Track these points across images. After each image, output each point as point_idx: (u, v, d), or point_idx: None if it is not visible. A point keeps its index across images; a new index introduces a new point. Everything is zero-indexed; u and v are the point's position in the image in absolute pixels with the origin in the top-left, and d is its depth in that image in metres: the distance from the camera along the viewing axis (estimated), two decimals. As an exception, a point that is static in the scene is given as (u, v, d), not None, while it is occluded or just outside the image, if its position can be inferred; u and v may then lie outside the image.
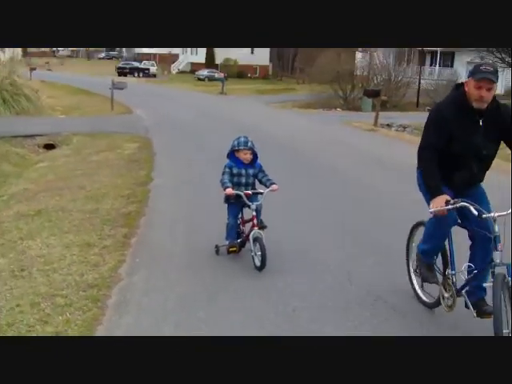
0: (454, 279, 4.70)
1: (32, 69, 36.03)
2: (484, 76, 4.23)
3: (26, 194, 10.07)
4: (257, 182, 6.33)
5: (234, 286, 5.54)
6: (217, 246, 6.38)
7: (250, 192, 6.09)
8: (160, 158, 13.07)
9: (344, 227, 7.59)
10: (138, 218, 7.83)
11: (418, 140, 15.58)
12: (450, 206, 4.31)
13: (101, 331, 4.60)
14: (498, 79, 4.33)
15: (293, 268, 6.00)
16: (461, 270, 4.64)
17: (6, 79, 22.32)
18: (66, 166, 12.75)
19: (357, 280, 5.72)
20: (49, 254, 6.37)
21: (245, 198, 6.03)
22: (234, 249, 6.21)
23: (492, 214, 4.23)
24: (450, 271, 4.75)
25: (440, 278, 4.88)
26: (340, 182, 10.91)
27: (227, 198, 6.17)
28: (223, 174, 6.19)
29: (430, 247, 4.86)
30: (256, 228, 5.97)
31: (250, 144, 6.15)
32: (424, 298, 5.15)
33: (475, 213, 4.21)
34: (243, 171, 6.20)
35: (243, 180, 6.21)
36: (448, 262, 4.80)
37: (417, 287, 5.26)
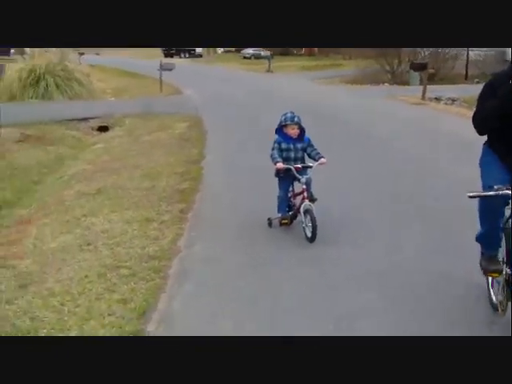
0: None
1: (81, 54, 36.65)
2: None
3: (84, 174, 10.52)
4: (306, 156, 6.52)
5: (287, 257, 5.81)
6: (269, 219, 6.62)
7: (299, 166, 6.27)
8: (211, 135, 13.39)
9: (390, 196, 7.77)
10: (193, 194, 8.18)
11: (467, 113, 15.56)
12: (485, 193, 4.02)
13: (164, 298, 4.95)
14: None
15: (341, 237, 6.24)
16: None
17: (58, 65, 22.89)
18: (120, 146, 13.18)
19: (404, 247, 5.92)
20: (111, 229, 6.76)
21: (295, 172, 6.21)
22: (286, 221, 6.45)
23: None
24: (506, 269, 4.15)
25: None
26: (386, 153, 11.02)
27: (278, 172, 6.37)
28: (273, 149, 6.39)
29: (483, 232, 4.44)
30: (306, 200, 6.16)
31: (296, 119, 6.32)
32: (494, 299, 4.48)
33: None
34: (292, 146, 6.37)
35: (292, 154, 6.39)
36: (507, 257, 4.17)
37: (489, 286, 4.62)
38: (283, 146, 6.39)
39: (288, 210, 6.56)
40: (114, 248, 6.13)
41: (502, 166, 4.27)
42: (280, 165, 6.21)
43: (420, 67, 23.85)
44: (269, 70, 42.71)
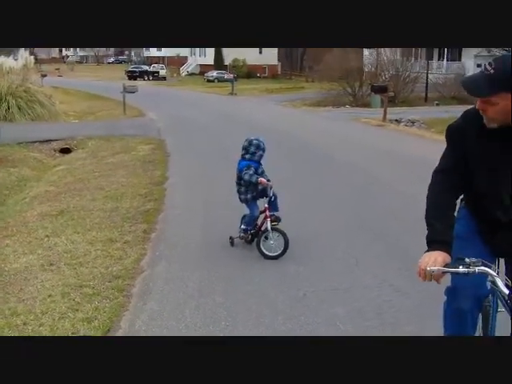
0: None
1: (43, 75, 36.40)
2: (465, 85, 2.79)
3: (47, 195, 10.47)
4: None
5: (249, 274, 5.91)
6: (231, 238, 6.72)
7: (271, 183, 6.45)
8: (174, 158, 13.47)
9: (352, 217, 7.95)
10: (156, 215, 8.25)
11: (426, 134, 15.91)
12: (452, 270, 2.62)
13: (127, 317, 5.00)
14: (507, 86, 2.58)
15: (303, 255, 6.38)
16: None
17: (20, 86, 22.77)
18: (83, 168, 13.16)
19: (363, 265, 6.08)
20: (74, 249, 6.78)
21: (268, 189, 6.38)
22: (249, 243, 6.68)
23: None
24: None
25: None
26: (349, 174, 11.25)
27: (253, 196, 6.51)
28: (249, 169, 6.43)
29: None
30: (269, 219, 6.34)
31: (262, 145, 6.53)
32: None
33: (505, 291, 2.59)
34: (260, 169, 6.54)
35: (266, 177, 6.54)
36: None
37: None
38: (259, 170, 6.53)
39: (253, 229, 6.67)
40: (77, 268, 6.15)
41: (480, 235, 3.15)
42: (263, 179, 6.35)
43: (380, 90, 24.36)
44: (232, 93, 43.03)
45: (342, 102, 34.04)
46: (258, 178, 6.33)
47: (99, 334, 4.64)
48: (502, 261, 3.16)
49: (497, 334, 3.20)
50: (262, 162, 6.61)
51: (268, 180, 6.41)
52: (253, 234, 6.63)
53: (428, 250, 2.80)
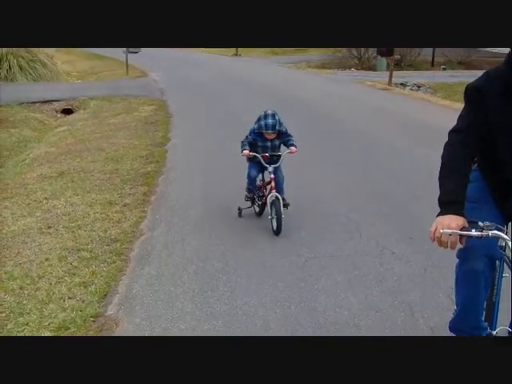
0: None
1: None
2: None
3: (47, 156, 10.37)
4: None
5: (249, 239, 5.83)
6: (239, 209, 6.49)
7: (267, 154, 6.01)
8: (176, 119, 13.29)
9: (354, 180, 7.83)
10: (157, 177, 8.15)
11: (431, 98, 15.70)
12: (466, 233, 2.59)
13: (124, 281, 4.94)
14: None
15: (304, 220, 6.28)
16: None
17: (21, 46, 22.50)
18: (85, 129, 13.02)
19: (365, 231, 5.98)
20: (73, 212, 6.70)
21: (262, 160, 5.99)
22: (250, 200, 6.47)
23: None
24: (488, 330, 3.23)
25: None
26: (351, 136, 11.08)
27: (249, 158, 6.14)
28: (246, 137, 6.13)
29: (460, 308, 3.24)
30: (274, 191, 5.93)
31: (277, 127, 5.92)
32: None
33: None
34: (269, 144, 6.07)
35: (269, 151, 6.09)
36: (489, 316, 3.27)
37: None
38: (259, 143, 6.09)
39: (259, 199, 6.39)
40: (75, 231, 6.07)
41: (492, 197, 3.11)
42: (246, 152, 5.98)
43: (386, 53, 23.93)
44: (236, 54, 42.51)
45: (347, 64, 33.54)
46: (243, 149, 6.01)
47: (96, 298, 4.58)
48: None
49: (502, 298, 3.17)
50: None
51: (269, 154, 6.00)
52: (260, 205, 6.41)
53: (440, 213, 2.73)
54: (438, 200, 2.80)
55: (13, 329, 4.16)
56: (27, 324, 4.22)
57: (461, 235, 2.59)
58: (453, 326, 3.31)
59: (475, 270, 3.01)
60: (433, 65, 34.92)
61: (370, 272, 5.06)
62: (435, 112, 13.82)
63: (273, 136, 5.97)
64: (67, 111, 16.88)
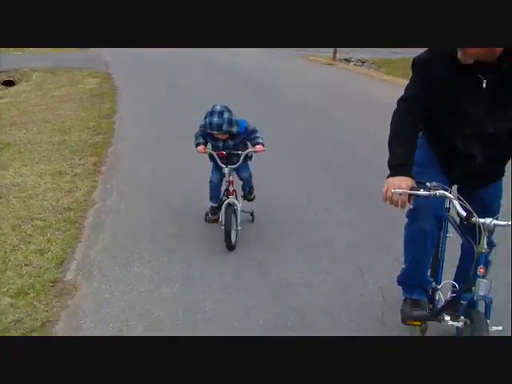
0: (436, 296, 3.51)
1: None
2: None
3: (-10, 128, 10.20)
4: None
5: (201, 206, 5.91)
6: (207, 214, 5.58)
7: (223, 152, 5.09)
8: (122, 91, 13.21)
9: (302, 153, 8.01)
10: (106, 148, 8.15)
11: (375, 74, 15.97)
12: (414, 192, 2.78)
13: (81, 248, 4.99)
14: None
15: (256, 189, 6.42)
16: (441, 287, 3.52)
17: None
18: (28, 101, 12.80)
19: (314, 201, 6.17)
20: (23, 182, 6.66)
21: (217, 160, 5.08)
22: (215, 221, 5.46)
23: (484, 220, 2.68)
24: (433, 284, 3.49)
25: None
26: (296, 110, 11.25)
27: (211, 156, 5.21)
28: (200, 129, 5.14)
29: (408, 265, 3.48)
30: (232, 196, 5.07)
31: (225, 127, 4.86)
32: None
33: (462, 213, 2.76)
34: (220, 144, 5.11)
35: (221, 149, 5.15)
36: (434, 272, 3.51)
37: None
38: (210, 142, 5.17)
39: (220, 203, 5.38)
40: (26, 201, 6.06)
41: (438, 163, 3.29)
42: (201, 148, 5.07)
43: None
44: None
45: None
46: (197, 143, 5.10)
47: (53, 265, 4.62)
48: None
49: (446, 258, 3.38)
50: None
51: (225, 151, 5.08)
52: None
53: (390, 175, 2.92)
54: (388, 163, 2.98)
55: (-30, 295, 4.18)
56: (-15, 290, 4.25)
57: (410, 194, 2.78)
58: (401, 280, 3.55)
59: (423, 229, 3.23)
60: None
61: (320, 238, 5.26)
62: (378, 87, 14.09)
63: (223, 137, 5.02)
64: (8, 83, 16.52)
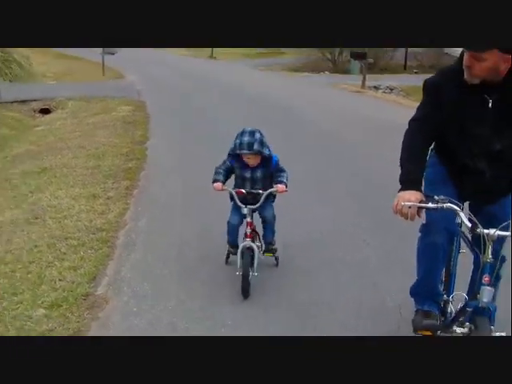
0: (448, 309, 3.66)
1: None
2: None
3: (28, 154, 10.61)
4: None
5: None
6: (228, 256, 5.24)
7: (243, 191, 4.81)
8: (154, 119, 13.56)
9: (323, 177, 8.21)
10: (138, 173, 8.45)
11: (404, 101, 16.08)
12: (423, 205, 3.00)
13: (112, 265, 5.24)
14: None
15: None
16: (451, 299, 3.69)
17: (-4, 46, 22.57)
18: (64, 128, 13.23)
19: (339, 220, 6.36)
20: (59, 204, 6.96)
21: (236, 198, 4.80)
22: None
23: (489, 231, 2.87)
24: (445, 296, 3.68)
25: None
26: (320, 137, 11.47)
27: (231, 196, 4.92)
28: (224, 162, 4.94)
29: (420, 278, 3.66)
30: (248, 239, 4.74)
31: (256, 146, 4.65)
32: None
33: (468, 223, 2.96)
34: (248, 174, 4.86)
35: (248, 186, 4.88)
36: (447, 286, 3.71)
37: None
38: (237, 171, 4.92)
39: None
40: (61, 221, 6.35)
41: (449, 180, 3.47)
42: (218, 185, 4.79)
43: (360, 56, 24.43)
44: (211, 57, 42.75)
45: (321, 68, 34.05)
46: (215, 180, 4.84)
47: (85, 280, 4.88)
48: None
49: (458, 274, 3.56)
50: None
51: (246, 191, 4.81)
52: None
53: (401, 189, 3.15)
54: (399, 179, 3.22)
55: (8, 306, 4.44)
56: (21, 302, 4.51)
57: (419, 207, 3.00)
58: (413, 292, 3.73)
59: (435, 242, 3.44)
60: (405, 68, 35.61)
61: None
62: (406, 115, 14.11)
63: (253, 161, 4.76)
64: (45, 111, 17.04)
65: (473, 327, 2.98)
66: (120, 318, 4.30)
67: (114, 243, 5.76)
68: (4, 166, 9.88)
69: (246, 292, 4.64)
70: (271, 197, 4.95)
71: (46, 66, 30.69)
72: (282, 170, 4.89)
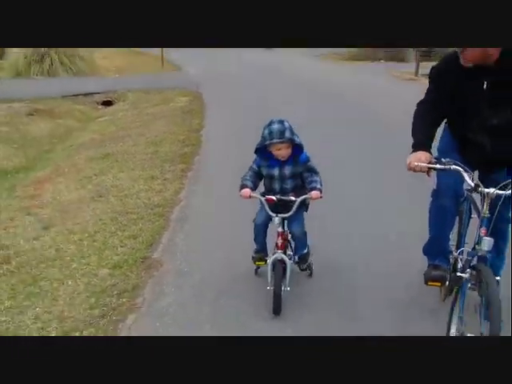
0: (458, 265, 3.93)
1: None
2: None
3: (92, 142, 11.38)
4: None
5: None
6: (258, 267, 4.87)
7: (273, 198, 4.39)
8: (210, 109, 14.16)
9: (376, 164, 8.64)
10: (193, 157, 9.09)
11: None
12: (432, 165, 3.38)
13: (166, 235, 5.86)
14: None
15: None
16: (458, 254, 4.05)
17: (62, 42, 23.50)
18: (125, 118, 14.00)
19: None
20: (120, 184, 7.66)
21: (266, 206, 4.39)
22: (263, 263, 4.66)
23: (489, 190, 3.20)
24: (455, 253, 4.08)
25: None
26: (364, 122, 11.82)
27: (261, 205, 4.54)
28: (250, 168, 4.66)
29: (431, 237, 4.17)
30: (280, 251, 4.36)
31: (287, 134, 4.26)
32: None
33: (470, 183, 3.30)
34: (276, 172, 4.47)
35: (277, 185, 4.51)
36: (457, 245, 4.10)
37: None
38: (264, 171, 4.54)
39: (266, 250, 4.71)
40: (123, 199, 7.03)
41: (458, 150, 3.85)
42: (246, 192, 4.46)
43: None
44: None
45: (376, 56, 34.07)
46: (243, 186, 4.53)
47: (143, 246, 5.52)
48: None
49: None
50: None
51: (277, 198, 4.38)
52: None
53: (413, 151, 3.57)
54: (412, 145, 3.67)
55: (78, 267, 5.16)
56: (88, 264, 5.21)
57: (429, 168, 3.43)
58: (425, 250, 4.24)
59: (444, 206, 3.97)
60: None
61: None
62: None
63: (285, 153, 4.34)
64: (107, 103, 17.90)
65: (474, 272, 3.33)
66: (172, 276, 4.92)
67: (169, 217, 6.38)
68: (70, 153, 10.66)
69: (277, 308, 4.24)
70: (303, 206, 4.51)
71: (109, 60, 31.78)
72: (313, 171, 4.45)
